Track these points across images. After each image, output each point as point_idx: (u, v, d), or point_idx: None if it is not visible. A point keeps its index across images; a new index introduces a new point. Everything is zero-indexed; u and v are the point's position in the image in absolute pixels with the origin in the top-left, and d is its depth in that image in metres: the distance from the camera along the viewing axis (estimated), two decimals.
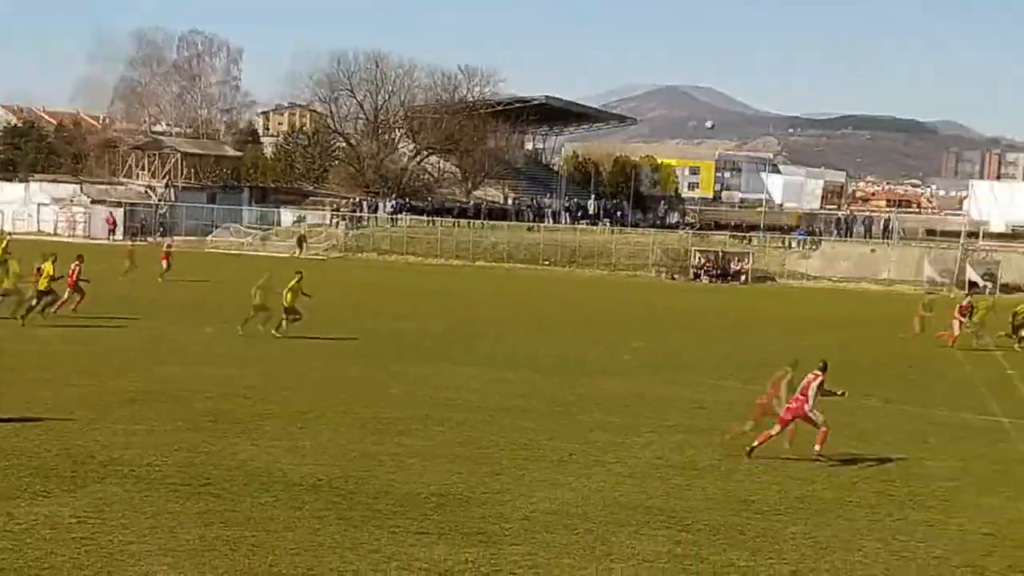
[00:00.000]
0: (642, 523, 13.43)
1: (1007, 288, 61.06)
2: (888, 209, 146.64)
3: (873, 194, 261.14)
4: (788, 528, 13.58)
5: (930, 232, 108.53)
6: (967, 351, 34.55)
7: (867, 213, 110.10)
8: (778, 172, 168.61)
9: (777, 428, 17.53)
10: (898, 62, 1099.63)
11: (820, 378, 17.44)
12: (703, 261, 65.82)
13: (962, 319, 35.65)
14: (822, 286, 63.11)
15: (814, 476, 16.46)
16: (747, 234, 75.80)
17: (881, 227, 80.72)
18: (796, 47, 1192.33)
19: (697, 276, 64.75)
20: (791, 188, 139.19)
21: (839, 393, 17.89)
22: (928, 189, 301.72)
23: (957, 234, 76.00)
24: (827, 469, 16.91)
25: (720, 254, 66.37)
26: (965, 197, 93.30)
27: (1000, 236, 75.25)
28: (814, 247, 69.13)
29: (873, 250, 68.13)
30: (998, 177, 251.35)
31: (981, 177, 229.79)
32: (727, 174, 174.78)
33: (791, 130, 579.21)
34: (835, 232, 77.33)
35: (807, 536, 13.26)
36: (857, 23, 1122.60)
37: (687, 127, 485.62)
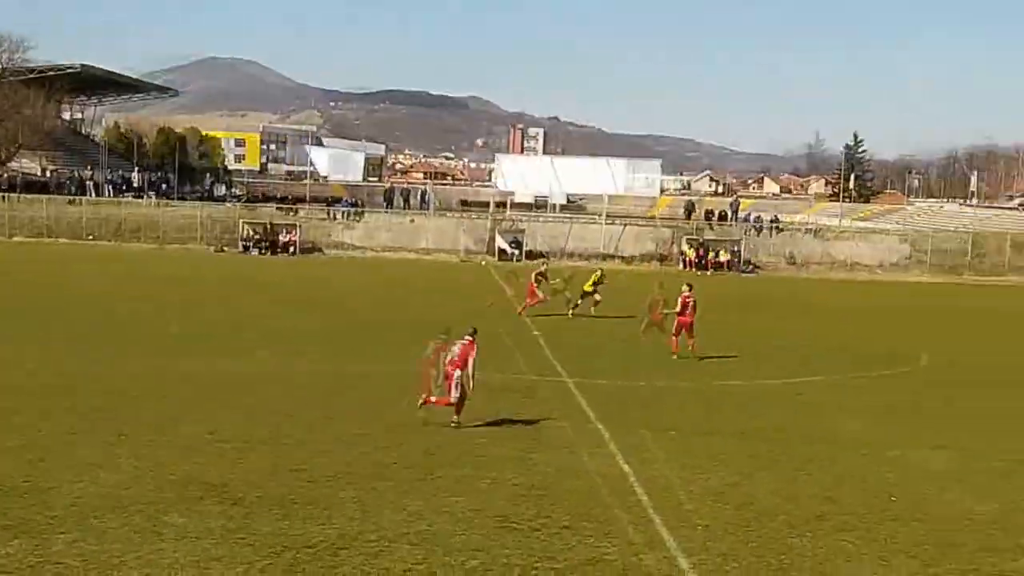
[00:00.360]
0: (194, 500, 13.23)
1: (531, 255, 64.95)
2: (425, 181, 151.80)
3: (412, 166, 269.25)
4: (338, 493, 13.83)
5: (464, 203, 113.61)
6: (506, 315, 36.51)
7: (406, 185, 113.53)
8: (323, 145, 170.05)
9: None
10: (431, 38, 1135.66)
11: (475, 345, 18.19)
12: (253, 233, 65.12)
13: (536, 286, 37.05)
14: (366, 256, 64.23)
15: (363, 442, 16.82)
16: (294, 206, 75.65)
17: (419, 198, 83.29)
18: (337, 22, 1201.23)
19: (247, 248, 63.97)
20: (335, 161, 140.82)
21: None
22: (462, 161, 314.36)
23: (488, 204, 79.82)
24: (375, 435, 17.32)
25: (269, 226, 65.89)
26: (493, 169, 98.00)
27: (525, 206, 79.91)
28: (358, 218, 70.19)
29: (412, 220, 70.15)
30: (522, 150, 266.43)
31: (508, 151, 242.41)
32: (273, 147, 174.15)
33: (332, 104, 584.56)
34: (383, 204, 78.90)
35: (356, 500, 13.57)
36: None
37: (230, 99, 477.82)
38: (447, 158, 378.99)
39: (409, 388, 18.88)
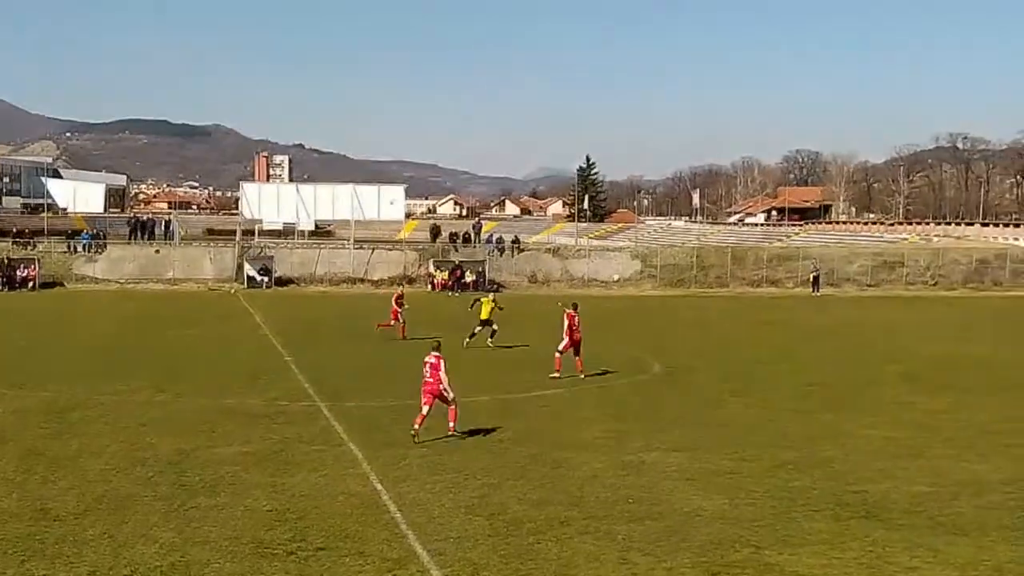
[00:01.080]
0: None
1: (280, 281, 64.10)
2: (170, 210, 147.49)
3: (155, 196, 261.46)
4: (87, 531, 13.35)
5: (211, 231, 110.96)
6: (240, 341, 35.94)
7: (150, 215, 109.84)
8: (60, 177, 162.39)
9: (426, 409, 19.04)
10: (169, 67, 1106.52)
11: (441, 359, 19.12)
12: None
13: (398, 310, 36.60)
14: (111, 288, 61.92)
15: (110, 476, 16.27)
16: (32, 240, 71.84)
17: (164, 228, 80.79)
18: (71, 50, 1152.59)
19: None
20: (75, 192, 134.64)
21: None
22: (207, 190, 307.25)
23: (235, 232, 78.26)
24: (124, 469, 16.78)
25: (6, 261, 62.49)
26: (239, 197, 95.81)
27: (274, 233, 78.70)
28: (100, 251, 67.49)
29: (158, 251, 68.00)
30: (268, 178, 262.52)
31: (253, 178, 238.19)
32: (7, 179, 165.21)
33: (69, 134, 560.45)
34: (129, 235, 75.77)
35: (106, 535, 13.13)
36: (170, 24, 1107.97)
37: None
38: (192, 187, 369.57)
39: (157, 419, 18.30)
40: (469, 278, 65.04)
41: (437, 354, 19.32)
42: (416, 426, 19.00)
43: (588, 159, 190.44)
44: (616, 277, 69.68)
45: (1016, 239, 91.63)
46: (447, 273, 65.07)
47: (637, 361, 31.51)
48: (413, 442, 18.70)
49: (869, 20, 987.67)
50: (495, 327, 34.03)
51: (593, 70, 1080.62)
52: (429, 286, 64.53)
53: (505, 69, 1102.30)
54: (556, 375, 27.50)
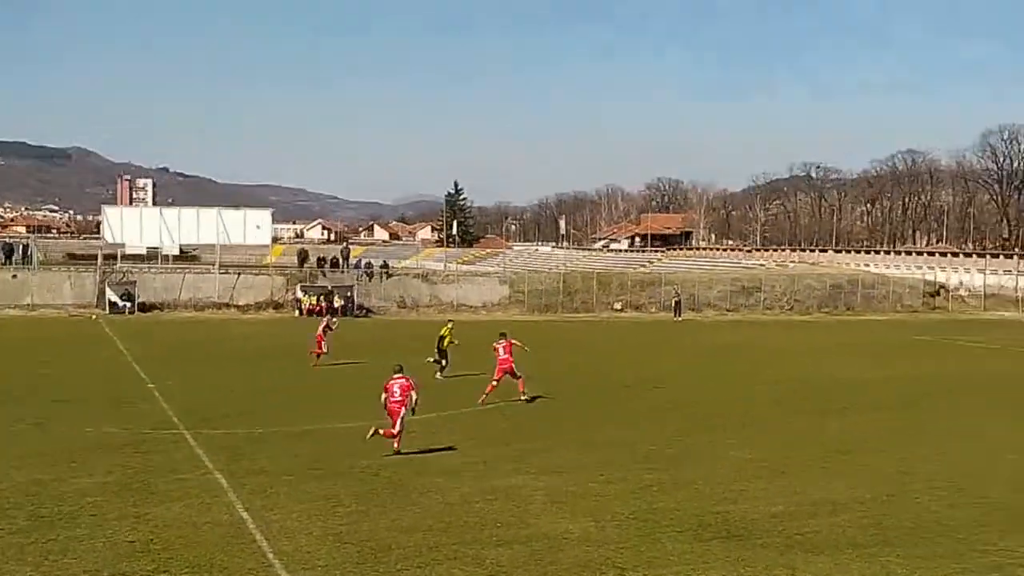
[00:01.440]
0: None
1: (144, 307, 62.58)
2: (27, 235, 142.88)
3: (12, 220, 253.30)
4: None
5: (72, 256, 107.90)
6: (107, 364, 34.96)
7: (7, 239, 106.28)
8: None
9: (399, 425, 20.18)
10: (30, 88, 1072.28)
11: (406, 379, 20.32)
12: None
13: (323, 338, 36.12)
14: None
15: None
16: None
17: (22, 252, 78.15)
18: None
19: None
20: None
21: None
22: (67, 214, 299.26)
23: (97, 257, 76.27)
24: None
25: None
26: (101, 222, 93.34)
27: (137, 258, 76.86)
28: None
29: (15, 276, 65.77)
30: (131, 202, 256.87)
31: (115, 202, 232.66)
32: None
33: None
34: None
35: None
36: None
37: None
38: (51, 211, 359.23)
39: (14, 449, 17.64)
40: (338, 303, 64.53)
41: (405, 375, 20.46)
42: (395, 444, 20.33)
43: (456, 185, 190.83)
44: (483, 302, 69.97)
45: (867, 265, 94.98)
46: (316, 298, 64.42)
47: (506, 386, 31.57)
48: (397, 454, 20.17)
49: (729, 51, 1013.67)
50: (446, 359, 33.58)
51: (460, 95, 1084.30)
52: (297, 311, 63.82)
53: (372, 94, 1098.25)
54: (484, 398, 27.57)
